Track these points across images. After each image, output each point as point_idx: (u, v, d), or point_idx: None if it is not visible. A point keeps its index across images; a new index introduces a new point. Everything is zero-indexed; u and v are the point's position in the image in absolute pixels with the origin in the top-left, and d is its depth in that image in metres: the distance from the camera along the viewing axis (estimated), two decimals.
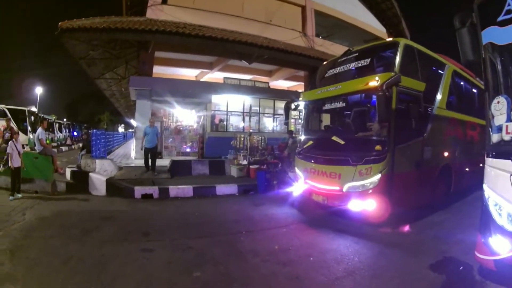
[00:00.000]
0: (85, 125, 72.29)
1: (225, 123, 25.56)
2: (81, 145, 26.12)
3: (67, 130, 55.19)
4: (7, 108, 30.30)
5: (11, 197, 11.89)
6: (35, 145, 15.24)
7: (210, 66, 26.99)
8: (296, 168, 11.80)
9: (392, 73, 8.89)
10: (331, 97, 10.60)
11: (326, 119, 12.96)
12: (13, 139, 12.48)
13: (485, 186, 5.35)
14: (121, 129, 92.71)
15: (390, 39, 11.32)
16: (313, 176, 10.47)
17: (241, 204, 12.98)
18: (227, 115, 25.69)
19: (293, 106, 12.70)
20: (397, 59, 9.25)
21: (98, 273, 6.25)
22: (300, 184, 11.16)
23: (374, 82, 8.76)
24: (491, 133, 5.21)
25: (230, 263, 6.91)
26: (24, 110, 31.37)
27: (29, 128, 30.39)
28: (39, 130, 14.41)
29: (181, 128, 25.72)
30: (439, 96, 10.83)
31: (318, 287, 5.92)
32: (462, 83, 13.14)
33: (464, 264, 6.49)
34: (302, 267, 6.76)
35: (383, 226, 8.99)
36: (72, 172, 15.69)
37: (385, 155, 8.78)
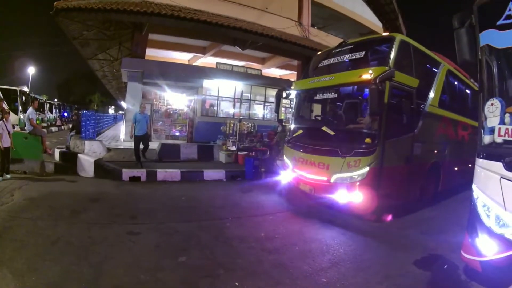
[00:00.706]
0: (76, 106, 71.96)
1: (215, 108, 25.61)
2: (71, 126, 25.97)
3: (57, 110, 54.89)
4: None
5: (0, 178, 11.87)
6: (25, 125, 15.18)
7: (203, 51, 27.01)
8: (284, 156, 11.75)
9: (386, 68, 8.86)
10: (323, 87, 10.59)
11: (317, 109, 12.92)
12: (3, 119, 12.36)
13: (474, 187, 5.38)
14: (111, 110, 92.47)
15: (386, 33, 11.42)
16: (301, 166, 10.47)
17: (228, 190, 13.08)
18: (218, 100, 25.71)
19: (284, 95, 12.60)
20: (392, 54, 9.23)
21: (86, 255, 6.31)
22: (288, 172, 11.19)
23: (367, 75, 8.74)
24: (483, 135, 5.23)
25: (216, 248, 7.02)
26: (16, 90, 30.99)
27: (20, 108, 30.04)
28: (30, 110, 14.31)
29: (171, 112, 25.71)
30: (432, 94, 10.85)
31: (302, 276, 6.02)
32: (456, 83, 13.23)
33: (449, 263, 6.57)
34: (287, 255, 6.85)
35: (370, 219, 9.26)
36: (61, 153, 15.67)
37: (375, 148, 8.76)
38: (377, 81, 8.41)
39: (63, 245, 6.71)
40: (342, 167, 9.17)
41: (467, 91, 14.21)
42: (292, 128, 12.10)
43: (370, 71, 8.77)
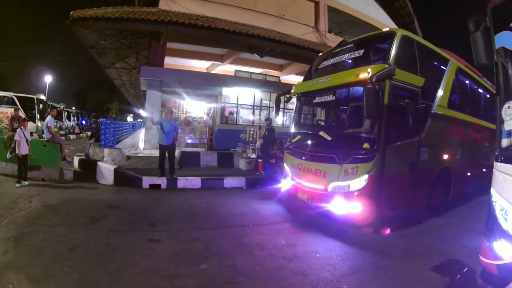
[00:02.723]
0: (94, 114, 72.76)
1: (235, 115, 25.51)
2: (89, 133, 26.16)
3: (75, 118, 55.82)
4: (16, 96, 30.64)
5: (17, 184, 11.96)
6: (43, 133, 15.31)
7: (221, 59, 26.93)
8: (284, 163, 11.36)
9: (386, 65, 8.29)
10: (320, 89, 10.02)
11: (317, 113, 12.79)
12: (21, 127, 12.54)
13: (492, 190, 5.24)
14: (129, 118, 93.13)
15: (387, 29, 10.93)
16: (299, 173, 10.03)
17: (248, 197, 12.95)
18: (237, 107, 25.61)
19: (285, 99, 12.37)
20: (392, 51, 8.62)
21: (104, 261, 6.28)
22: (288, 180, 10.75)
23: (365, 74, 8.10)
24: (501, 138, 5.13)
25: (236, 256, 6.93)
26: (33, 98, 31.45)
27: (38, 116, 30.60)
28: (48, 118, 14.40)
29: (190, 120, 25.78)
30: (440, 94, 10.17)
31: (323, 283, 5.94)
32: (467, 82, 12.49)
33: (467, 267, 6.51)
34: (307, 263, 6.77)
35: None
36: (80, 161, 15.77)
37: (374, 155, 8.18)
38: (374, 80, 7.82)
39: (81, 252, 6.68)
40: (339, 175, 8.62)
41: (480, 90, 13.57)
42: (292, 133, 11.69)
43: (369, 70, 8.13)
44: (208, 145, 22.84)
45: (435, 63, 10.93)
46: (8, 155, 13.21)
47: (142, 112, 43.08)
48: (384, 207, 8.41)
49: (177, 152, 17.99)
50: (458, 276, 6.34)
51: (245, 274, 6.07)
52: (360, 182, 8.26)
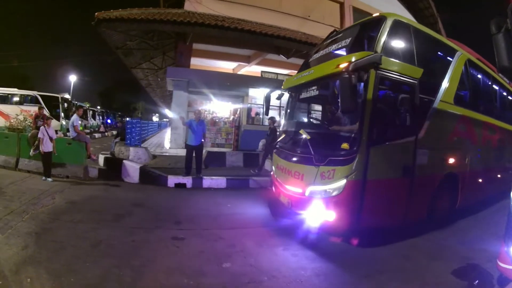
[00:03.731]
0: (119, 113, 73.56)
1: (261, 116, 25.58)
2: (114, 132, 26.36)
3: (100, 117, 56.51)
4: (40, 95, 31.50)
5: (44, 177, 12.48)
6: (67, 131, 15.47)
7: (247, 60, 27.08)
8: (273, 164, 10.39)
9: (369, 52, 7.23)
10: (303, 83, 9.14)
11: (304, 109, 11.42)
12: (45, 125, 12.81)
13: None
14: (155, 118, 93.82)
15: (377, 14, 8.83)
16: (281, 174, 9.20)
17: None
18: (263, 108, 25.41)
19: (276, 96, 11.69)
20: (380, 37, 7.54)
21: (128, 258, 6.30)
22: (273, 181, 9.86)
23: (345, 63, 7.07)
24: None
25: (260, 255, 6.89)
26: (57, 97, 32.14)
27: (62, 115, 31.34)
28: (74, 117, 14.57)
29: (216, 120, 25.85)
30: (443, 87, 8.97)
31: (343, 281, 6.06)
32: (480, 76, 11.24)
33: (485, 272, 6.41)
34: (329, 263, 6.74)
35: (407, 229, 8.43)
36: (106, 159, 15.88)
37: (354, 156, 7.06)
38: (350, 68, 6.81)
39: (104, 248, 6.70)
40: (315, 178, 7.60)
41: (496, 87, 12.34)
42: (280, 132, 11.13)
43: (350, 59, 7.11)
44: (234, 145, 22.82)
45: (438, 53, 9.84)
46: (31, 152, 13.48)
47: (168, 112, 43.34)
48: (368, 217, 7.35)
49: (203, 152, 18.06)
50: (477, 280, 6.24)
51: (268, 274, 6.05)
52: (337, 187, 7.18)
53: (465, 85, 10.12)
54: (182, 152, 15.50)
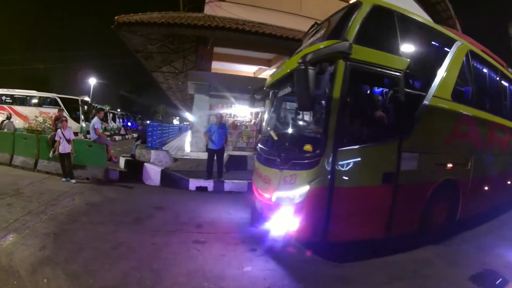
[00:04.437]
0: (139, 116, 74.26)
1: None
2: (135, 135, 26.52)
3: (120, 120, 57.29)
4: (59, 97, 32.16)
5: (64, 179, 12.66)
6: (87, 133, 15.60)
7: (268, 63, 27.14)
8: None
9: (337, 41, 6.40)
10: (276, 80, 8.67)
11: (280, 108, 9.99)
12: (61, 128, 12.99)
13: None
14: (175, 121, 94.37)
15: (354, 0, 7.46)
16: (256, 178, 8.71)
17: None
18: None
19: (259, 96, 11.38)
20: (352, 24, 6.63)
21: (148, 260, 6.28)
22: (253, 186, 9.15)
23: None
24: None
25: (281, 260, 6.79)
26: (77, 100, 32.77)
27: (82, 117, 31.94)
28: (95, 119, 14.82)
29: (238, 123, 25.84)
30: (438, 81, 7.78)
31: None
32: (485, 70, 10.07)
33: (501, 278, 6.38)
34: (353, 269, 6.64)
35: (429, 234, 8.06)
36: (127, 161, 15.95)
37: (318, 160, 6.28)
38: (306, 59, 6.01)
39: (124, 250, 6.69)
40: (279, 183, 6.95)
41: (505, 84, 11.14)
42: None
43: (315, 49, 6.44)
44: (255, 148, 22.80)
45: (431, 42, 8.69)
46: (51, 154, 13.63)
47: (188, 116, 43.56)
48: (339, 228, 6.62)
49: (225, 155, 18.01)
50: (494, 285, 6.27)
51: (289, 278, 6.01)
52: (299, 194, 6.45)
53: (466, 80, 9.00)
54: (204, 155, 15.49)
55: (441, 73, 8.00)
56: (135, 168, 14.94)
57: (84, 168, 13.75)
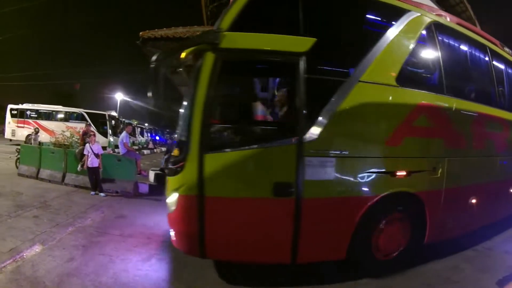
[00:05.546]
0: (167, 130, 75.36)
1: None
2: (164, 149, 26.55)
3: (148, 134, 58.14)
4: (86, 112, 33.29)
5: (92, 192, 12.70)
6: (116, 147, 15.65)
7: None
8: None
9: (211, 30, 5.78)
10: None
11: None
12: (89, 142, 13.16)
13: None
14: None
15: None
16: None
17: None
18: None
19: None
20: (233, 7, 5.64)
21: (180, 272, 6.26)
22: None
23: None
24: None
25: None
26: (104, 114, 33.78)
27: (110, 132, 32.70)
28: (123, 134, 15.07)
29: None
30: (368, 63, 6.06)
31: None
32: (464, 48, 8.08)
33: None
34: None
35: (461, 237, 7.82)
36: (156, 175, 15.83)
37: (182, 165, 5.53)
38: (156, 59, 5.52)
39: (155, 262, 6.62)
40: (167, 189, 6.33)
41: (498, 64, 8.96)
42: None
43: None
44: None
45: (359, 14, 6.70)
46: (79, 168, 13.77)
47: None
48: (217, 246, 5.70)
49: None
50: None
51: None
52: (171, 201, 5.83)
53: (429, 60, 7.17)
54: None
55: (375, 52, 6.21)
56: (165, 181, 14.76)
57: (113, 181, 13.80)
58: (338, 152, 5.78)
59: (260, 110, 6.52)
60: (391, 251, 6.46)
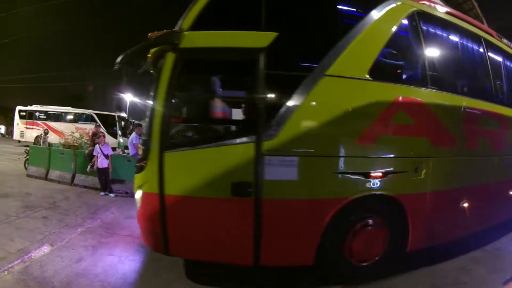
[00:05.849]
0: None
1: None
2: None
3: None
4: (96, 113, 33.60)
5: (102, 193, 12.80)
6: (125, 148, 15.65)
7: None
8: None
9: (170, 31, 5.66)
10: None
11: None
12: (99, 143, 13.27)
13: None
14: None
15: None
16: None
17: None
18: None
19: None
20: (195, 6, 5.75)
21: (190, 272, 6.24)
22: None
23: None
24: None
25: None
26: (114, 116, 33.85)
27: (119, 132, 32.85)
28: (133, 135, 15.07)
29: None
30: (335, 55, 5.81)
31: None
32: (454, 39, 7.71)
33: None
34: None
35: (472, 238, 7.75)
36: None
37: (144, 162, 5.74)
38: (121, 60, 5.69)
39: (165, 264, 6.54)
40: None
41: (494, 56, 8.53)
42: None
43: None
44: None
45: (329, 5, 6.40)
46: (88, 169, 13.85)
47: None
48: (182, 244, 5.77)
49: None
50: None
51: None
52: (137, 198, 6.07)
53: (410, 51, 6.88)
54: None
55: (344, 44, 5.94)
56: None
57: (123, 182, 13.86)
58: (301, 151, 5.61)
59: (221, 108, 6.30)
60: (369, 256, 6.20)
